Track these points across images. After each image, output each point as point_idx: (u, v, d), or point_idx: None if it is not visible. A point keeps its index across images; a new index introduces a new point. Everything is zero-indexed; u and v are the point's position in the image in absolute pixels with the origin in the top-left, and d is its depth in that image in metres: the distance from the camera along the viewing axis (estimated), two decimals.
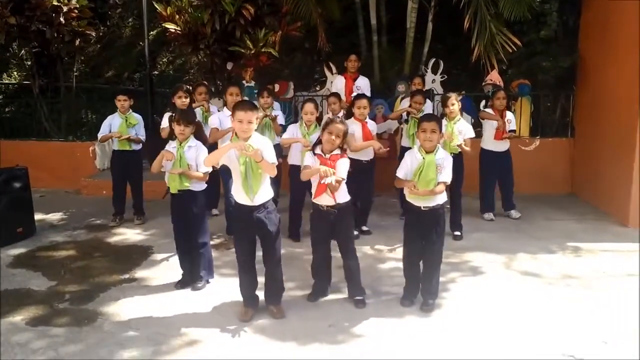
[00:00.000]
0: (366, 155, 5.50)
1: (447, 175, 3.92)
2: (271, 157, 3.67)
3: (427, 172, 3.85)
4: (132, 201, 6.35)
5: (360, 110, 5.44)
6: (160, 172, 4.38)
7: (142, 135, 6.23)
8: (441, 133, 3.99)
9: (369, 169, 5.59)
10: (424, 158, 3.87)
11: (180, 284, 4.44)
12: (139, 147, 6.22)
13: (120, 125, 6.08)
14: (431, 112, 6.95)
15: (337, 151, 3.91)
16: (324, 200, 3.90)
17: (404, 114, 6.19)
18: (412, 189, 3.82)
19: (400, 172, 4.01)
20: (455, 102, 5.45)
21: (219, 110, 6.19)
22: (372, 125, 5.61)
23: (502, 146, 6.22)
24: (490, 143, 6.20)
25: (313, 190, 3.96)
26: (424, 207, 3.91)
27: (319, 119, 5.48)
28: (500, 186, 6.43)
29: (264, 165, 3.60)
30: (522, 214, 6.38)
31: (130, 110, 6.22)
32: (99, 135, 6.16)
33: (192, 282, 4.43)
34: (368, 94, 6.90)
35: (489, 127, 6.18)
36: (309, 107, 5.38)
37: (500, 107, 6.14)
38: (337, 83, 7.14)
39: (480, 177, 6.34)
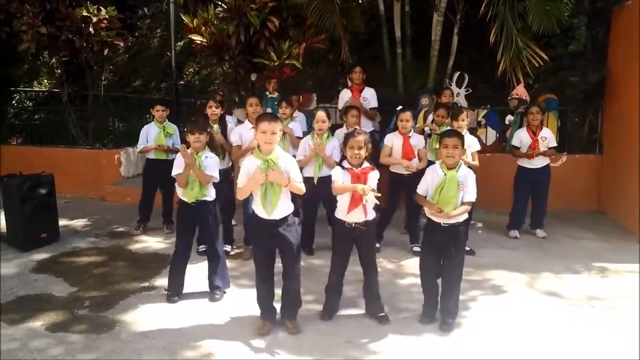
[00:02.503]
0: (404, 169, 5.42)
1: (471, 195, 3.86)
2: (297, 176, 3.73)
3: (448, 189, 3.79)
4: (162, 210, 6.39)
5: (403, 123, 5.37)
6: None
7: (179, 145, 6.28)
8: (464, 149, 3.93)
9: (413, 181, 5.42)
10: (445, 174, 3.81)
11: (177, 296, 4.39)
12: (174, 156, 6.27)
13: (158, 135, 6.14)
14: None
15: (366, 164, 3.88)
16: (355, 217, 3.84)
17: (426, 129, 6.13)
18: (436, 212, 3.76)
19: (420, 189, 3.96)
20: (465, 118, 5.41)
21: (239, 121, 6.22)
22: (416, 140, 5.49)
23: (537, 162, 6.05)
24: (524, 160, 6.08)
25: (341, 207, 3.88)
26: (444, 223, 3.84)
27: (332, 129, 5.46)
28: (532, 203, 6.26)
29: (292, 188, 3.65)
30: (547, 231, 6.23)
31: (167, 120, 6.30)
32: (139, 146, 6.22)
33: (182, 292, 4.43)
34: (375, 104, 6.92)
35: (523, 144, 6.04)
36: (321, 115, 5.31)
37: (534, 123, 6.02)
38: (343, 96, 7.06)
39: (513, 193, 6.23)
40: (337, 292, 4.11)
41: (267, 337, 3.75)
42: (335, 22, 7.51)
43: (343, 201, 3.86)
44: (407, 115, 5.39)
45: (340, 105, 6.96)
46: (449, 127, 5.53)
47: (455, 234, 3.86)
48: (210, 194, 4.39)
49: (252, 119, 5.26)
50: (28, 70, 12.23)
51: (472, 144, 5.48)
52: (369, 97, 6.92)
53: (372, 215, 3.90)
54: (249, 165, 3.69)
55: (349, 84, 7.74)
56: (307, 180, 5.19)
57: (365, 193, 3.66)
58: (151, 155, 6.24)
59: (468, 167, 5.30)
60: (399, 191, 5.62)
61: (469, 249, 5.55)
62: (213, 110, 5.47)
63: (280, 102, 6.02)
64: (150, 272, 5.01)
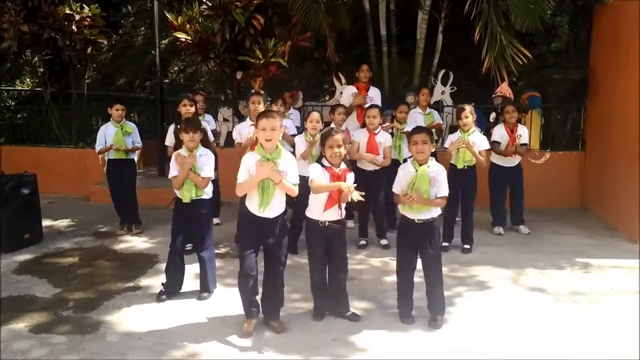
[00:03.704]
0: (369, 165, 5.48)
1: (444, 189, 3.91)
2: (294, 177, 3.72)
3: (420, 185, 3.82)
4: (127, 210, 6.32)
5: (370, 119, 5.43)
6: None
7: (139, 143, 6.28)
8: (433, 144, 3.97)
9: (376, 178, 5.52)
10: (416, 170, 3.84)
11: (167, 295, 4.37)
12: (134, 155, 6.27)
13: (116, 134, 6.08)
14: (440, 122, 6.97)
15: (343, 165, 3.89)
16: (331, 215, 3.84)
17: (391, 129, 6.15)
18: (410, 200, 3.76)
19: (396, 187, 3.97)
20: (469, 115, 5.43)
21: (225, 119, 6.21)
22: (382, 137, 5.57)
23: (511, 161, 6.13)
24: (498, 157, 6.15)
25: (316, 206, 3.86)
26: (417, 220, 3.87)
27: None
28: (509, 200, 6.36)
29: (282, 187, 3.63)
30: (531, 228, 6.29)
31: (124, 119, 6.25)
32: (97, 147, 6.16)
33: (177, 292, 4.41)
34: (379, 104, 6.89)
35: (503, 141, 6.07)
36: (315, 115, 5.33)
37: (511, 121, 6.08)
38: (347, 93, 7.08)
39: (489, 191, 6.29)
40: (324, 291, 4.09)
41: (253, 336, 3.73)
42: (320, 20, 7.51)
43: (318, 200, 3.83)
44: (374, 111, 5.46)
45: (345, 101, 6.93)
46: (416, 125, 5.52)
47: (429, 229, 3.90)
48: (207, 192, 4.37)
49: (254, 116, 5.26)
50: (10, 68, 12.07)
51: (479, 142, 5.48)
52: (375, 97, 6.88)
53: (344, 213, 3.92)
54: (249, 161, 3.66)
55: (343, 81, 7.76)
56: (301, 179, 5.20)
57: (350, 191, 3.67)
58: (111, 156, 6.18)
59: (469, 165, 5.43)
60: (364, 187, 5.63)
61: (468, 247, 5.61)
62: (187, 108, 5.48)
63: (274, 100, 6.02)
64: (135, 272, 4.97)
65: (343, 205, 3.85)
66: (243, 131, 5.40)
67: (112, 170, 6.24)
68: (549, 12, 7.19)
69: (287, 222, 3.95)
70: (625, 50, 6.40)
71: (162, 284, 4.44)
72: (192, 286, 4.54)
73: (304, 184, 5.22)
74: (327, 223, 3.86)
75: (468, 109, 5.45)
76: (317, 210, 3.85)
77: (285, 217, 3.92)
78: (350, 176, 3.88)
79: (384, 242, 5.72)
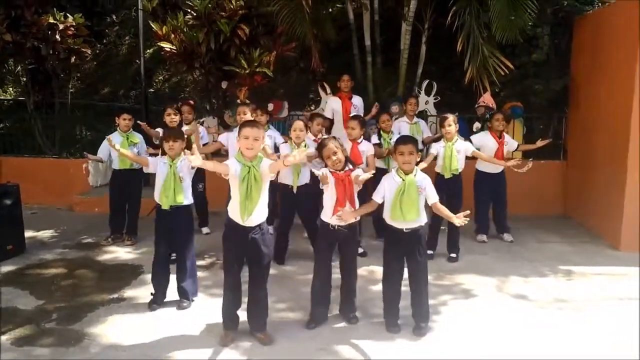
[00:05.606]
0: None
1: (434, 196, 3.96)
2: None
3: (409, 193, 3.81)
4: (127, 221, 6.27)
5: (349, 130, 5.46)
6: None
7: (145, 154, 6.20)
8: (419, 154, 4.01)
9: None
10: (403, 180, 3.84)
11: (156, 304, 4.38)
12: (139, 166, 6.17)
13: (121, 144, 5.98)
14: (428, 132, 7.03)
15: (349, 166, 3.96)
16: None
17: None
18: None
19: (377, 196, 3.96)
20: (452, 124, 5.48)
21: (208, 128, 6.20)
22: (365, 146, 5.56)
23: (495, 168, 6.19)
24: (483, 164, 6.22)
25: (327, 209, 3.91)
26: (406, 229, 3.88)
27: None
28: (492, 208, 6.43)
29: (287, 162, 3.49)
30: (514, 236, 6.35)
31: (131, 129, 6.21)
32: (98, 155, 6.11)
33: (163, 300, 4.42)
34: (362, 112, 6.97)
35: (487, 148, 6.12)
36: (299, 124, 5.30)
37: (498, 129, 6.16)
38: (332, 104, 7.11)
39: (474, 198, 6.35)
40: (324, 298, 4.09)
41: (238, 345, 3.73)
42: (305, 30, 7.55)
43: (328, 203, 3.88)
44: (353, 123, 5.46)
45: (328, 113, 6.96)
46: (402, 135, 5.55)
47: (417, 237, 3.91)
48: (188, 197, 4.39)
49: None
50: None
51: (464, 148, 5.58)
52: (358, 106, 7.00)
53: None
54: (232, 166, 3.58)
55: (328, 90, 7.80)
56: (285, 187, 5.29)
57: (324, 175, 3.75)
58: (116, 166, 6.13)
59: (458, 174, 5.49)
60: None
61: (454, 256, 5.64)
62: (172, 117, 5.64)
63: (255, 109, 6.01)
64: (119, 283, 4.93)
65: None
66: (233, 140, 5.35)
67: (117, 180, 6.17)
68: (529, 23, 7.32)
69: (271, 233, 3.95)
70: (605, 60, 6.54)
71: (152, 293, 4.43)
72: (176, 296, 4.51)
73: (288, 192, 5.26)
74: (336, 227, 3.88)
75: (451, 117, 5.51)
76: (328, 212, 3.89)
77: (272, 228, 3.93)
78: (357, 171, 3.95)
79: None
